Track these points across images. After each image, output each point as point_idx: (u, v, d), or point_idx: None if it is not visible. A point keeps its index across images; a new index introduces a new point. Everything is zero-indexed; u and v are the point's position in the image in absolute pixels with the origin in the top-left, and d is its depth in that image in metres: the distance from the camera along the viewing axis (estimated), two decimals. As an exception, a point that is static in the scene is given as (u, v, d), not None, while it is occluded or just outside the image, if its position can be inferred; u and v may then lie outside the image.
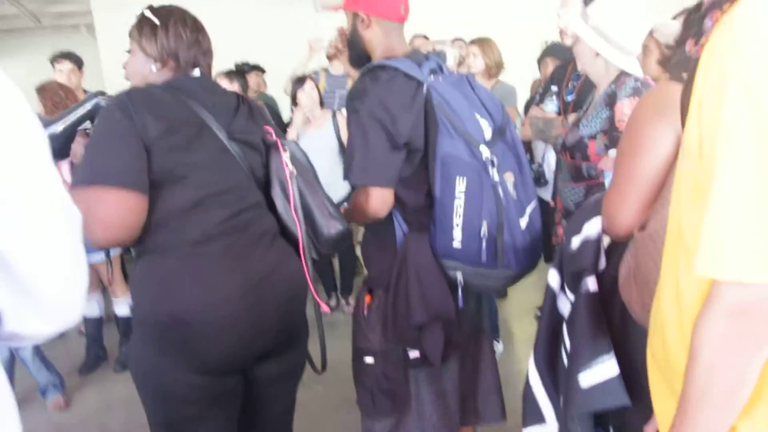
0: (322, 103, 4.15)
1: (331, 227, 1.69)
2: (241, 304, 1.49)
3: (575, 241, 1.36)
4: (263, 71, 5.87)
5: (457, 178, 1.62)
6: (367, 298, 1.86)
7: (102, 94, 1.88)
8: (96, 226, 1.37)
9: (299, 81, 4.08)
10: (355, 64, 1.91)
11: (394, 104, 1.66)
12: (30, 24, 8.79)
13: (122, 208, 1.40)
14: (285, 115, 5.03)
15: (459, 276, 1.73)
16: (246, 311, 1.50)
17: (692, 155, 0.81)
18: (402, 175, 1.72)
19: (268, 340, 1.58)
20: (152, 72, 1.62)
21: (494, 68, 3.91)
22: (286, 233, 1.66)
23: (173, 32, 1.61)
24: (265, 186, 1.67)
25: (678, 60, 1.00)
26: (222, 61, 4.87)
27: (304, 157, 1.75)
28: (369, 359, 1.86)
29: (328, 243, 1.70)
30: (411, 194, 1.74)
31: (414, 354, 1.83)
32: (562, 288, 1.48)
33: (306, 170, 1.72)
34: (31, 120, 0.72)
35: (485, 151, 1.64)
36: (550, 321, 1.51)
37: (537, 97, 3.21)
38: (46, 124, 1.88)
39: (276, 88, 5.67)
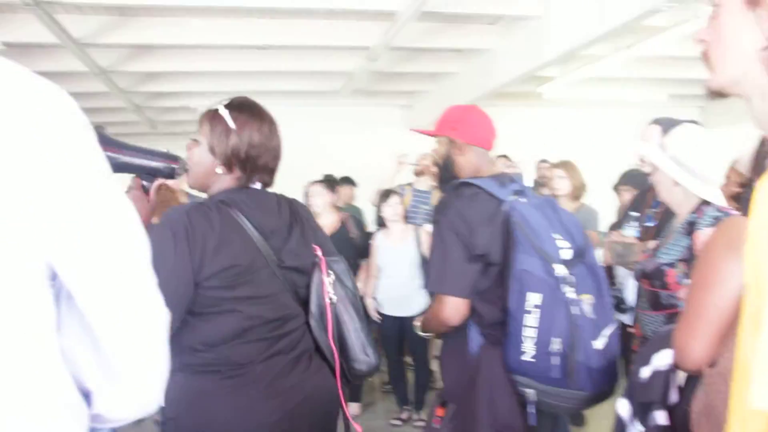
0: (405, 218, 4.30)
1: (363, 363, 1.69)
2: (278, 429, 1.48)
3: (645, 372, 1.35)
4: (354, 184, 6.16)
5: (529, 293, 1.68)
6: (439, 411, 1.89)
7: (176, 159, 1.70)
8: None
9: (385, 194, 4.26)
10: (443, 183, 2.07)
11: (473, 218, 1.78)
12: (147, 129, 9.64)
13: None
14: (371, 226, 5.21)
15: (531, 393, 1.74)
16: None
17: (750, 286, 0.84)
18: (479, 288, 1.80)
19: None
20: (215, 173, 1.58)
21: (578, 190, 3.98)
22: (318, 348, 1.66)
23: (248, 139, 1.56)
24: (304, 302, 1.66)
25: (747, 195, 1.02)
26: (315, 172, 5.20)
27: (349, 279, 1.73)
28: None
29: (356, 376, 1.71)
30: (487, 307, 1.80)
31: None
32: (633, 418, 1.45)
33: (349, 294, 1.70)
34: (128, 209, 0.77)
35: (561, 270, 1.69)
36: None
37: (618, 223, 3.22)
38: (117, 146, 1.63)
39: (363, 200, 5.93)
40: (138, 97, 7.75)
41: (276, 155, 1.65)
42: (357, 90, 7.64)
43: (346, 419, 1.68)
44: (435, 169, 2.14)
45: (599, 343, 1.72)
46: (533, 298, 1.67)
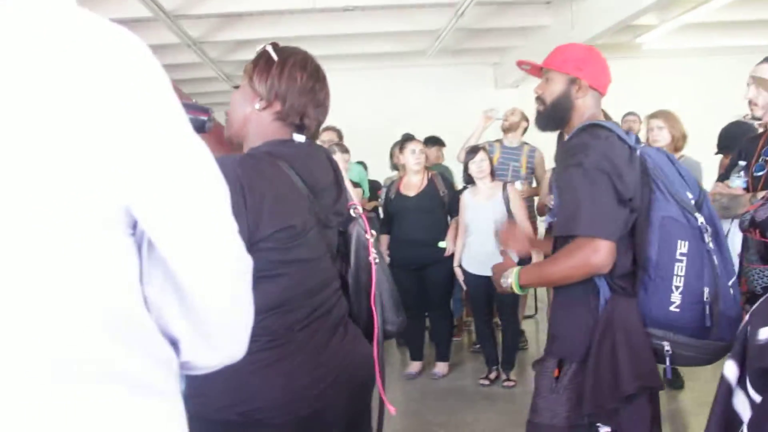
0: (492, 174, 4.20)
1: (395, 324, 1.62)
2: (319, 403, 1.39)
3: (764, 333, 1.24)
4: (443, 145, 6.09)
5: (679, 241, 1.63)
6: (556, 372, 1.79)
7: (207, 110, 1.45)
8: None
9: (472, 151, 4.18)
10: (551, 126, 1.96)
11: (619, 159, 1.69)
12: (226, 87, 9.90)
13: None
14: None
15: (667, 346, 1.68)
16: (322, 410, 1.40)
17: None
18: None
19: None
20: (254, 110, 1.46)
21: (680, 140, 3.75)
22: (351, 313, 1.57)
23: (288, 73, 1.45)
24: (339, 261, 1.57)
25: None
26: (401, 134, 5.17)
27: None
28: None
29: (386, 337, 1.62)
30: (620, 257, 1.69)
31: (605, 430, 1.72)
32: (742, 384, 1.33)
33: (379, 253, 1.62)
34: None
35: (700, 218, 1.65)
36: (722, 421, 1.36)
37: (724, 174, 2.99)
38: None
39: (453, 160, 5.86)
40: (228, 66, 7.93)
41: (321, 107, 1.52)
42: (444, 49, 7.50)
43: (380, 395, 1.56)
44: (540, 108, 1.96)
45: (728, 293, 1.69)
46: (682, 246, 1.63)
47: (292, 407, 1.35)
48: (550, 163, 4.98)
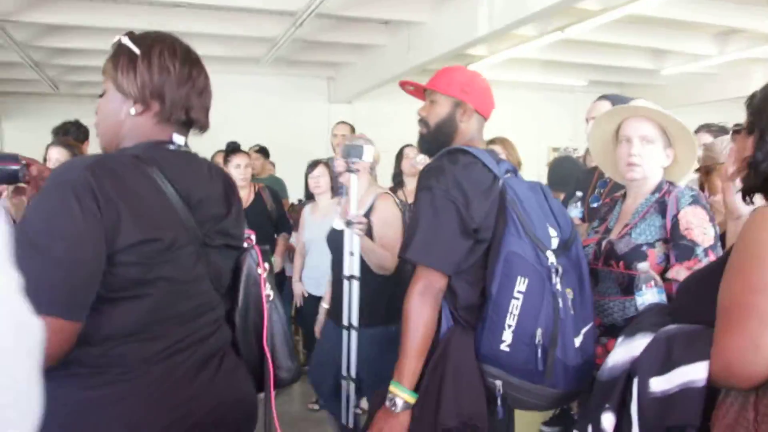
0: (333, 190, 4.05)
1: (288, 371, 1.50)
2: None
3: (657, 384, 1.19)
4: (268, 155, 5.90)
5: (519, 278, 1.56)
6: None
7: (16, 159, 1.34)
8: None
9: (312, 165, 4.01)
10: (433, 149, 1.86)
11: (471, 188, 1.63)
12: (48, 90, 8.88)
13: (61, 340, 1.05)
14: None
15: (498, 385, 1.61)
16: None
17: None
18: (463, 266, 1.65)
19: None
20: (129, 116, 1.24)
21: (516, 166, 3.88)
22: (234, 344, 1.39)
23: (158, 64, 1.24)
24: (227, 291, 1.39)
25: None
26: (236, 138, 4.86)
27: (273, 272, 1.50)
28: None
29: (277, 385, 1.46)
30: (466, 288, 1.65)
31: None
32: None
33: (275, 289, 1.48)
34: None
35: (551, 257, 1.59)
36: None
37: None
38: None
39: (284, 171, 5.67)
40: (38, 53, 7.07)
41: (205, 93, 1.32)
42: (279, 58, 7.31)
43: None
44: (424, 130, 1.89)
45: (577, 341, 1.61)
46: (520, 284, 1.55)
47: None
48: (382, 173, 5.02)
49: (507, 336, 1.55)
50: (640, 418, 1.19)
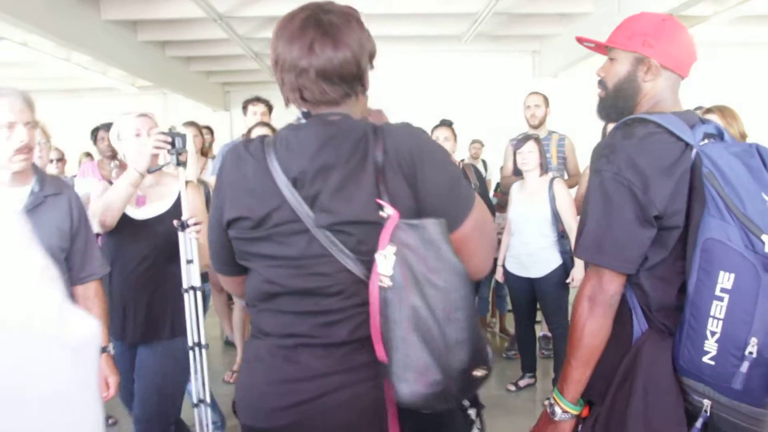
0: (542, 167, 3.86)
1: (405, 394, 1.18)
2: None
3: None
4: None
5: (722, 272, 1.26)
6: (585, 411, 1.50)
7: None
8: None
9: (522, 141, 3.87)
10: (613, 115, 1.59)
11: (650, 166, 1.35)
12: (268, 78, 9.68)
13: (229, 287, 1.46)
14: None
15: (706, 405, 1.34)
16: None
17: None
18: (652, 261, 1.39)
19: None
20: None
21: (738, 140, 3.41)
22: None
23: (275, 45, 1.23)
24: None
25: None
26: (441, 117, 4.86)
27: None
28: None
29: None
30: (659, 286, 1.40)
31: None
32: None
33: (435, 285, 1.16)
34: None
35: None
36: None
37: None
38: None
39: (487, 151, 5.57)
40: (257, 44, 7.69)
41: (307, 73, 1.19)
42: (480, 34, 7.17)
43: None
44: (602, 93, 1.61)
45: None
46: (725, 280, 1.25)
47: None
48: (582, 151, 4.69)
49: (710, 346, 1.27)
50: None
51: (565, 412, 1.48)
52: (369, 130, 1.19)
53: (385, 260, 1.10)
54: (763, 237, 1.24)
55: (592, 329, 1.41)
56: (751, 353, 1.24)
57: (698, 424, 1.35)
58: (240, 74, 9.86)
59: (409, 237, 1.09)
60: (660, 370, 1.37)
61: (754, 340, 1.23)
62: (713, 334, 1.27)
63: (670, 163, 1.35)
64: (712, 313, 1.27)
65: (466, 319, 1.09)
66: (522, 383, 4.13)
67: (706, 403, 1.33)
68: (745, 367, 1.24)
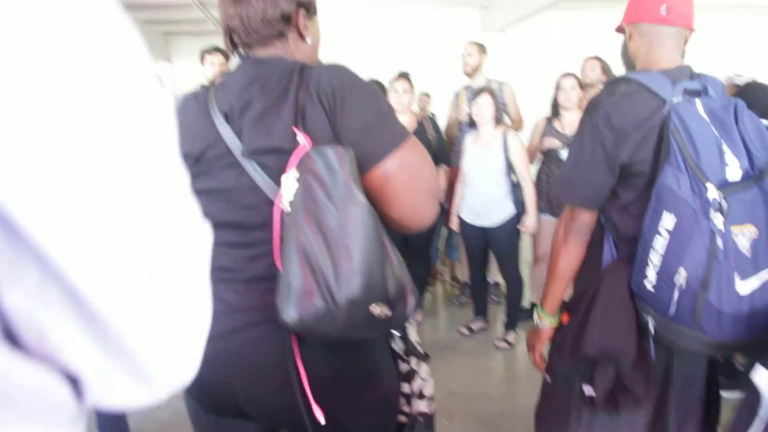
0: (497, 119, 3.98)
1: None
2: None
3: None
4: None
5: (665, 213, 1.45)
6: (564, 317, 1.79)
7: None
8: None
9: (477, 93, 3.99)
10: None
11: (623, 123, 1.55)
12: (212, 28, 9.44)
13: None
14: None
15: (650, 323, 1.56)
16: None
17: None
18: (624, 200, 1.62)
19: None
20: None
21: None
22: None
23: None
24: None
25: None
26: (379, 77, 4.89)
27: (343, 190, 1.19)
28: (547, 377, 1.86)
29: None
30: (628, 221, 1.62)
31: (588, 391, 1.68)
32: None
33: (329, 211, 1.14)
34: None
35: (713, 192, 1.40)
36: None
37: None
38: None
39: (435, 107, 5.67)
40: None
41: (233, 18, 1.31)
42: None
43: (306, 401, 1.17)
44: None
45: (746, 286, 1.42)
46: (667, 220, 1.45)
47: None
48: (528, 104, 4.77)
49: (650, 273, 1.49)
50: None
51: (543, 320, 1.81)
52: (296, 68, 1.24)
53: (287, 183, 1.13)
54: (708, 184, 1.41)
55: (566, 253, 1.71)
56: (681, 284, 1.44)
57: (650, 339, 1.59)
58: (184, 24, 9.57)
59: (314, 164, 1.11)
60: (618, 290, 1.61)
61: (683, 272, 1.43)
62: (655, 266, 1.48)
63: (642, 119, 1.54)
64: (654, 247, 1.48)
65: (361, 252, 1.08)
66: (475, 327, 4.33)
67: (651, 321, 1.56)
68: (675, 295, 1.46)
